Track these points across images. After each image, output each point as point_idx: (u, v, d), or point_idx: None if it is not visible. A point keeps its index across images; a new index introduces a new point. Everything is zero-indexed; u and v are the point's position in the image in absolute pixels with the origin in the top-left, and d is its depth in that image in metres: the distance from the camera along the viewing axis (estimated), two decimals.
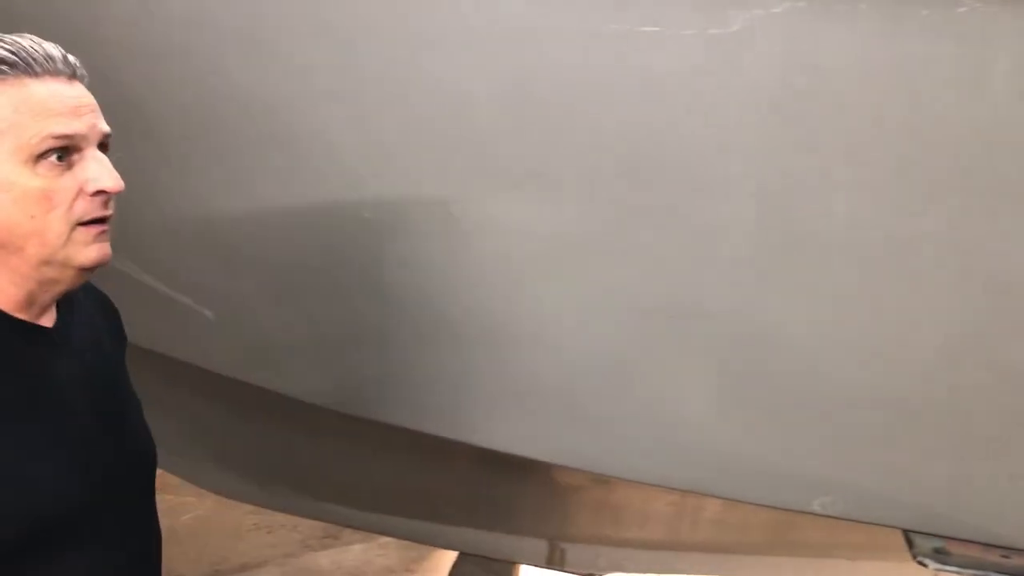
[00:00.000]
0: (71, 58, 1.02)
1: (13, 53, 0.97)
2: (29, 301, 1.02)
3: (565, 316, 1.49)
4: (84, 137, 0.99)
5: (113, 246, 1.84)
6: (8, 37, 0.98)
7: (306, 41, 1.41)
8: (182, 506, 3.83)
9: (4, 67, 0.96)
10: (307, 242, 1.61)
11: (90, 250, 1.00)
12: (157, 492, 1.31)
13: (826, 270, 1.33)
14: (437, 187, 1.46)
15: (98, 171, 1.00)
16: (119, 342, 1.24)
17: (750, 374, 1.44)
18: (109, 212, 1.02)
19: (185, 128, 1.60)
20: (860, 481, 1.45)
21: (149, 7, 1.48)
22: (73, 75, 1.01)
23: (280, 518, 3.72)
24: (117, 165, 1.62)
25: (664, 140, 1.31)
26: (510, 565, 2.88)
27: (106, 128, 1.03)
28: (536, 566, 2.55)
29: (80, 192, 0.99)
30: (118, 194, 1.02)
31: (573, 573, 2.46)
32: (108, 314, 1.24)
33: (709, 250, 1.37)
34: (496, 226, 1.45)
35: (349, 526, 3.01)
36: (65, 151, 0.98)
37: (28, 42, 0.98)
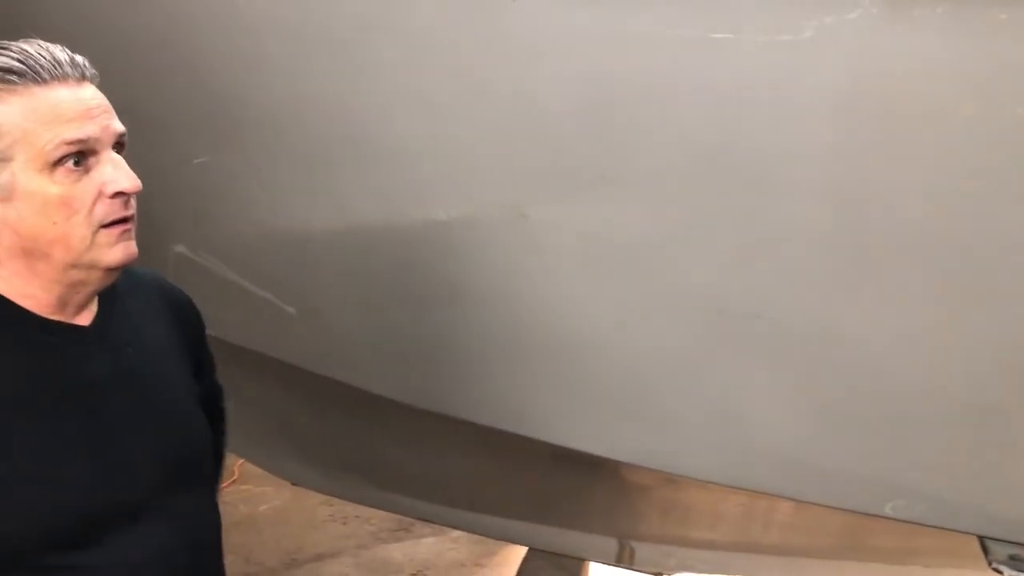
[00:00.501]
0: (79, 59, 1.01)
1: (20, 62, 0.97)
2: (61, 303, 1.04)
3: (634, 316, 1.50)
4: (98, 140, 0.99)
5: (198, 243, 1.93)
6: (14, 45, 0.99)
7: (382, 47, 1.45)
8: (261, 496, 3.95)
9: (12, 76, 0.96)
10: (383, 242, 1.65)
11: (115, 250, 1.01)
12: (238, 483, 1.35)
13: (897, 273, 1.32)
14: (509, 189, 1.48)
15: (115, 173, 1.00)
16: (183, 335, 1.23)
17: (821, 376, 1.43)
18: (130, 212, 1.02)
19: (267, 132, 1.65)
20: (934, 485, 1.44)
21: (236, 14, 1.53)
22: (83, 77, 1.00)
23: (354, 509, 3.79)
24: (202, 168, 1.70)
25: (734, 144, 1.31)
26: (579, 562, 2.89)
27: (120, 128, 1.02)
28: (605, 563, 2.55)
29: (99, 195, 0.99)
30: (137, 193, 1.02)
31: (642, 572, 2.47)
32: (175, 307, 1.24)
33: (780, 252, 1.37)
34: (567, 227, 1.47)
35: (421, 519, 3.06)
36: (81, 155, 0.98)
37: (35, 48, 0.98)
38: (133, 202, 1.03)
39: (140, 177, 1.03)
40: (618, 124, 1.36)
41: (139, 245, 1.06)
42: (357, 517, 3.85)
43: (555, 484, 2.23)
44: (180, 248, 1.91)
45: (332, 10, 1.45)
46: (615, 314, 1.51)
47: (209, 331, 1.48)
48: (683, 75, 1.29)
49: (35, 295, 1.03)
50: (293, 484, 3.05)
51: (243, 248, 1.85)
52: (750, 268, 1.39)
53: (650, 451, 1.59)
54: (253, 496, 3.94)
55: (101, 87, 1.04)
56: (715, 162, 1.33)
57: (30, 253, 1.00)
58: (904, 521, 1.47)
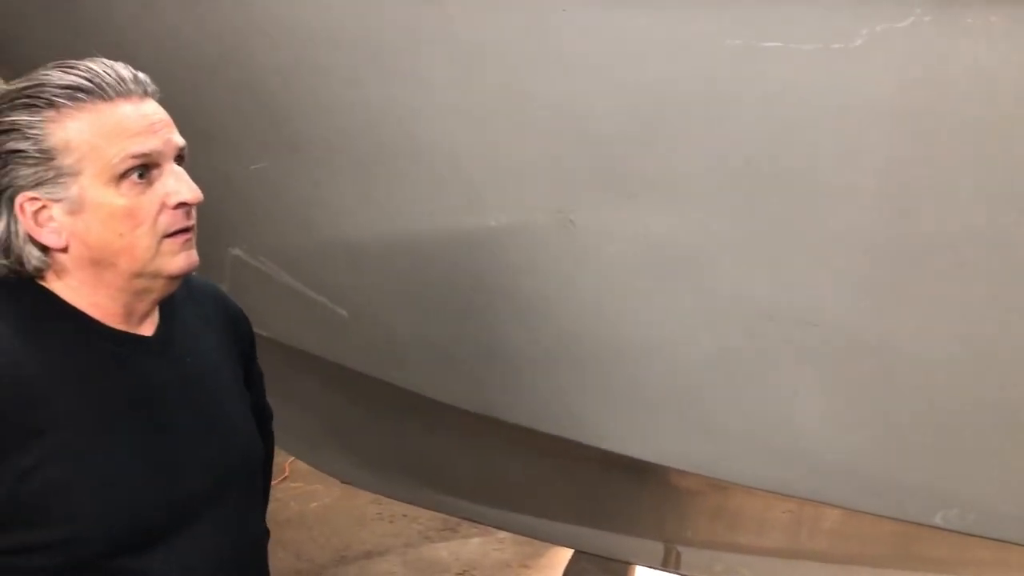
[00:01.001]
0: (141, 76, 1.05)
1: (88, 80, 1.01)
2: (127, 312, 1.08)
3: (682, 321, 1.51)
4: (161, 153, 1.03)
5: (255, 247, 1.97)
6: (81, 64, 1.03)
7: (433, 58, 1.48)
8: (311, 494, 4.01)
9: (81, 94, 1.00)
10: (433, 248, 1.67)
11: (178, 259, 1.05)
12: (289, 480, 1.37)
13: (949, 281, 1.31)
14: (557, 196, 1.50)
15: (177, 185, 1.04)
16: (236, 345, 1.26)
17: (870, 384, 1.43)
18: (192, 222, 1.06)
19: (321, 140, 1.69)
20: (986, 495, 1.42)
21: (292, 28, 1.57)
22: (145, 93, 1.04)
23: (401, 508, 3.83)
24: (259, 174, 1.73)
25: (784, 151, 1.31)
26: (625, 565, 2.89)
27: (181, 141, 1.06)
28: (651, 567, 2.55)
29: (163, 206, 1.03)
30: (198, 204, 1.06)
31: None
32: (229, 317, 1.28)
33: (829, 259, 1.37)
34: (614, 233, 1.48)
35: (467, 519, 3.08)
36: (145, 168, 1.02)
37: (100, 67, 1.02)
38: (194, 212, 1.07)
39: (201, 182, 1.07)
40: (667, 131, 1.37)
41: (198, 248, 1.09)
42: (404, 516, 3.89)
43: (603, 487, 2.23)
44: (237, 251, 1.96)
45: (384, 23, 1.48)
46: (663, 320, 1.52)
47: (263, 331, 1.51)
48: (733, 82, 1.29)
49: (102, 304, 1.06)
50: (343, 482, 3.09)
51: (298, 252, 1.90)
52: (801, 276, 1.39)
53: (698, 457, 1.59)
54: (303, 493, 4.00)
55: (164, 97, 1.08)
56: (765, 169, 1.33)
57: (97, 263, 1.04)
58: (956, 532, 1.45)
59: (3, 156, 1.01)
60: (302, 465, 3.45)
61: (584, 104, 1.41)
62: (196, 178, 1.07)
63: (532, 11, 1.37)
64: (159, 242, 1.03)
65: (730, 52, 1.26)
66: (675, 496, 2.26)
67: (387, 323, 1.86)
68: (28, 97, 1.01)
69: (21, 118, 1.00)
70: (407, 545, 3.74)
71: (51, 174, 1.00)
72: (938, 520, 1.45)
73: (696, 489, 2.20)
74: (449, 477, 2.49)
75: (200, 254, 1.10)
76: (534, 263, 1.57)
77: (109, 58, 1.06)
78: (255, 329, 1.33)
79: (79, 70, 1.02)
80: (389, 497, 3.11)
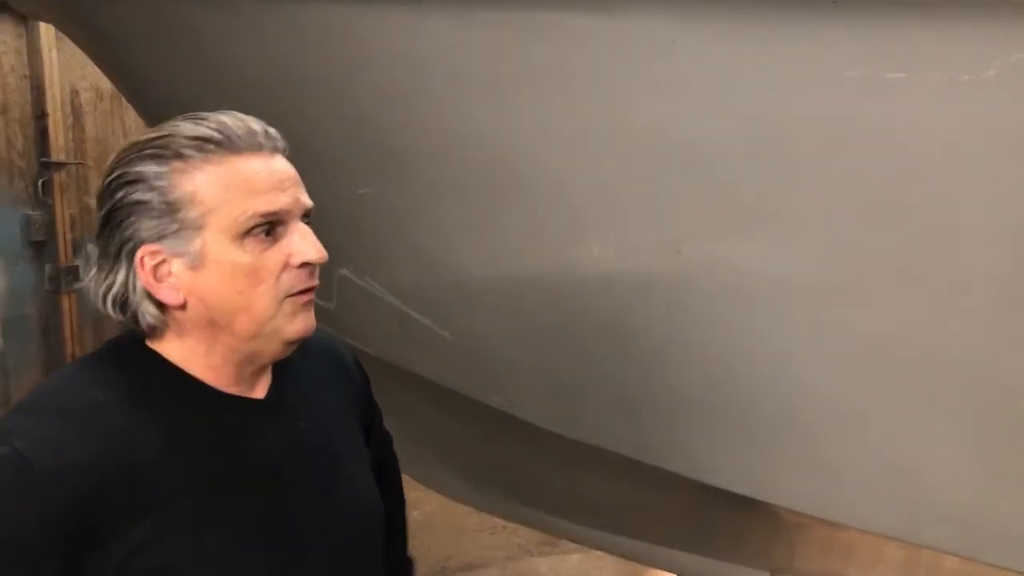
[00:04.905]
0: (272, 131, 1.01)
1: (218, 131, 0.97)
2: (239, 374, 1.04)
3: (797, 358, 1.45)
4: (288, 212, 0.99)
5: (362, 268, 1.99)
6: (212, 116, 0.99)
7: (543, 88, 1.46)
8: (413, 501, 4.02)
9: (210, 145, 0.97)
10: (538, 275, 1.65)
11: (296, 321, 1.01)
12: None
13: None
14: (665, 226, 1.46)
15: (302, 244, 1.00)
16: (351, 395, 1.23)
17: (1001, 432, 1.34)
18: (315, 283, 1.02)
19: (428, 166, 1.69)
20: None
21: (401, 57, 1.58)
22: (275, 149, 1.01)
23: (501, 520, 3.84)
24: (367, 199, 1.74)
25: (908, 186, 1.25)
26: None
27: (309, 202, 1.03)
28: None
29: (286, 265, 0.99)
30: (322, 263, 1.01)
31: None
32: (343, 366, 1.24)
33: (958, 300, 1.29)
34: (724, 266, 1.43)
35: (563, 538, 3.05)
36: (271, 226, 0.98)
37: (231, 119, 0.99)
38: (317, 272, 1.03)
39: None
40: (783, 164, 1.32)
41: None
42: (505, 528, 3.91)
43: (707, 514, 2.18)
44: (345, 271, 1.99)
45: (495, 53, 1.48)
46: (776, 356, 1.46)
47: (367, 349, 1.52)
48: (853, 115, 1.24)
49: (215, 366, 1.03)
50: (439, 494, 3.11)
51: (403, 275, 1.91)
52: (926, 315, 1.31)
53: (811, 498, 1.53)
54: (407, 501, 4.04)
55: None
56: (888, 204, 1.27)
57: (214, 323, 1.00)
58: None
59: (127, 207, 0.98)
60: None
61: (695, 134, 1.37)
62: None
63: (642, 43, 1.34)
64: (280, 302, 1.00)
65: (850, 83, 1.21)
66: (783, 526, 2.19)
67: (490, 347, 1.85)
68: (156, 148, 0.98)
69: (148, 168, 0.97)
70: (507, 558, 3.75)
71: (174, 227, 0.97)
72: None
73: (806, 522, 2.12)
74: (547, 496, 2.48)
75: None
76: (640, 293, 1.54)
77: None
78: (359, 346, 1.32)
79: (209, 122, 0.99)
80: (487, 512, 3.12)
